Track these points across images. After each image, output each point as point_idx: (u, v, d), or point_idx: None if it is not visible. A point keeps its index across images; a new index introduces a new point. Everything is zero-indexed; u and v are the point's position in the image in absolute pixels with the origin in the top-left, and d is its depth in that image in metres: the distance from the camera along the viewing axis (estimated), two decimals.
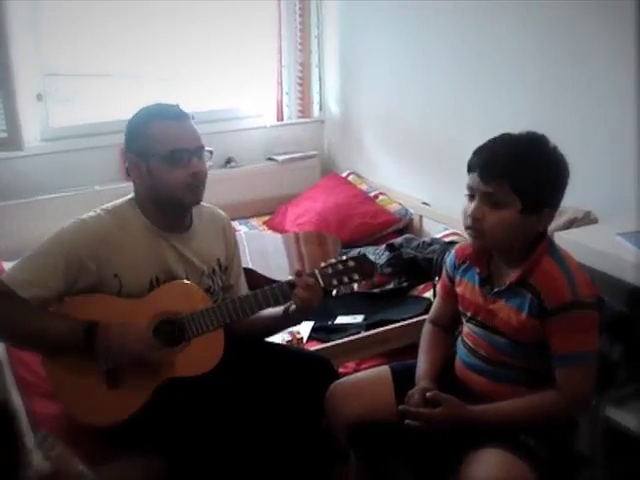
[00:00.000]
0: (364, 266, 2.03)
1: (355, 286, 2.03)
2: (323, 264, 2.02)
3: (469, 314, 1.89)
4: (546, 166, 1.71)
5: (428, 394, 1.76)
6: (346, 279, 2.02)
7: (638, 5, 2.34)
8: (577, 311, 1.68)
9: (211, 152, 2.03)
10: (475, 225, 1.72)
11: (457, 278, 1.95)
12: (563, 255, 1.77)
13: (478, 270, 1.86)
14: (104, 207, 2.01)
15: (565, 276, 1.71)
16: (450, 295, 1.99)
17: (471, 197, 1.75)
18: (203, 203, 2.12)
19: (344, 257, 2.05)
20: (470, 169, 1.75)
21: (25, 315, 1.86)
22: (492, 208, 1.70)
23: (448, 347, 2.00)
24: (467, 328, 1.91)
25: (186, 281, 2.02)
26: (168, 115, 1.95)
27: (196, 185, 1.95)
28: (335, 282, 2.01)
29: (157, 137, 1.93)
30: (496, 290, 1.80)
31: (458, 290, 1.94)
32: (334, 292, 2.02)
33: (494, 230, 1.71)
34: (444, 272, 2.02)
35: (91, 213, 1.98)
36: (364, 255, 2.09)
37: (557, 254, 1.77)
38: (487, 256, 1.84)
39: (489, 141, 1.78)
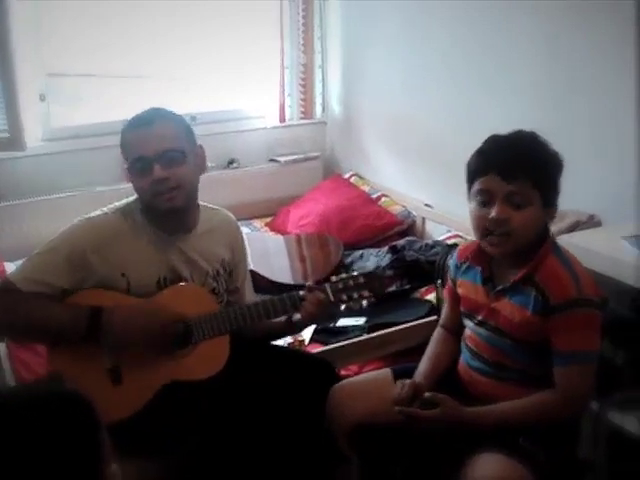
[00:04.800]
0: (374, 283, 2.04)
1: (364, 303, 2.02)
2: (334, 278, 2.04)
3: (471, 314, 1.89)
4: (553, 157, 1.74)
5: (426, 394, 1.76)
6: (356, 295, 2.02)
7: (637, 5, 2.32)
8: (581, 309, 1.69)
9: (201, 148, 2.04)
10: (500, 228, 1.71)
11: (458, 279, 1.95)
12: (567, 255, 1.78)
13: (480, 269, 1.85)
14: (111, 206, 2.02)
15: (570, 274, 1.71)
16: (456, 298, 1.99)
17: (484, 202, 1.73)
18: (212, 205, 2.15)
19: (355, 273, 2.05)
20: (482, 172, 1.74)
21: (27, 306, 1.86)
22: (516, 208, 1.70)
23: (454, 351, 2.00)
24: (469, 330, 1.92)
25: (195, 284, 2.03)
26: (134, 123, 1.95)
27: (161, 192, 1.91)
28: (345, 297, 2.02)
29: (125, 147, 1.96)
30: (500, 288, 1.80)
31: (459, 291, 1.94)
32: (342, 307, 2.01)
33: (521, 230, 1.71)
34: (448, 276, 2.02)
35: (98, 212, 1.99)
36: (374, 272, 2.09)
37: (562, 254, 1.78)
38: (488, 255, 1.84)
39: (490, 143, 1.78)
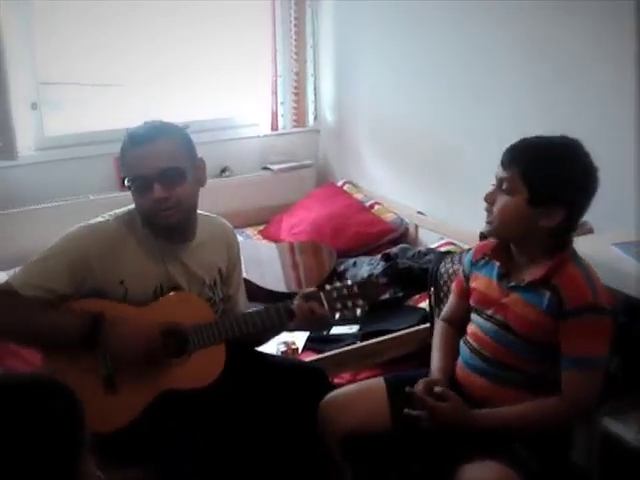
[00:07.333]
0: (368, 291, 2.03)
1: (359, 311, 2.02)
2: (328, 287, 2.02)
3: (481, 308, 1.90)
4: (561, 162, 1.75)
5: (437, 389, 1.79)
6: (350, 304, 2.01)
7: (636, 8, 2.32)
8: (594, 315, 1.72)
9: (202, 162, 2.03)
10: (488, 208, 1.83)
11: (473, 273, 1.98)
12: (585, 264, 1.82)
13: (498, 264, 1.88)
14: (111, 213, 2.01)
15: (588, 281, 1.75)
16: (464, 294, 2.01)
17: (494, 187, 1.84)
18: (208, 213, 2.14)
19: (349, 282, 2.05)
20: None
21: (27, 309, 1.85)
22: (503, 193, 1.79)
23: (458, 345, 2.00)
24: (473, 326, 1.93)
25: (191, 293, 2.02)
26: (134, 140, 1.92)
27: (161, 210, 1.91)
28: (339, 306, 2.01)
29: (124, 165, 1.96)
30: (514, 284, 1.83)
31: (472, 284, 1.97)
32: (337, 316, 2.00)
33: (499, 213, 1.80)
34: (460, 270, 2.07)
35: (99, 218, 1.99)
36: (368, 280, 2.07)
37: (581, 262, 1.81)
38: (507, 251, 1.87)
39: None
